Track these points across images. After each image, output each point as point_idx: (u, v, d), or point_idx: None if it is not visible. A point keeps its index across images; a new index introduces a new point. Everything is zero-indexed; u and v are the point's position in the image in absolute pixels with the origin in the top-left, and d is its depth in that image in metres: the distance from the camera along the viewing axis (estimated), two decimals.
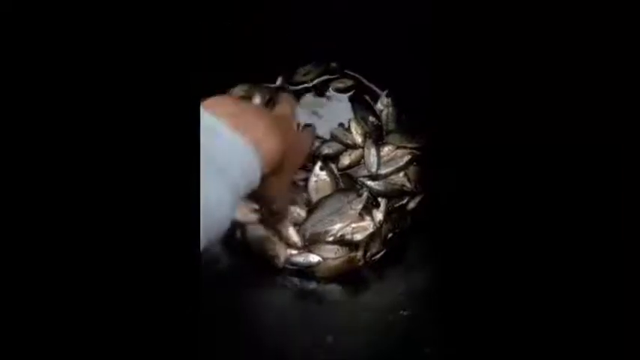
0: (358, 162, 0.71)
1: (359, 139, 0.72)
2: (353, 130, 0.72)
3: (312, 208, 0.68)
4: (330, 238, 0.67)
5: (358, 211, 0.67)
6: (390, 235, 0.68)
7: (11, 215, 0.27)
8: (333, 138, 0.72)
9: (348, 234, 0.67)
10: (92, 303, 0.28)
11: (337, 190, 0.69)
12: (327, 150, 0.72)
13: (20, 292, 0.27)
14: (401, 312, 0.58)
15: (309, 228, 0.67)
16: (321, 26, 0.65)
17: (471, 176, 0.57)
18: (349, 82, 0.76)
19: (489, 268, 0.50)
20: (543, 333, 0.41)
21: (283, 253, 0.66)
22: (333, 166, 0.71)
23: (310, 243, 0.67)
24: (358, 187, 0.70)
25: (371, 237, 0.67)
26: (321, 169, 0.69)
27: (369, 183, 0.70)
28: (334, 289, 0.64)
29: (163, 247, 0.29)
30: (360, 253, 0.66)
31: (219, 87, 0.67)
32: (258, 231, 0.66)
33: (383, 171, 0.70)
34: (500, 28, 0.44)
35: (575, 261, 0.39)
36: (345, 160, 0.71)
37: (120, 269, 0.28)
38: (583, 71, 0.35)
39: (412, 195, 0.70)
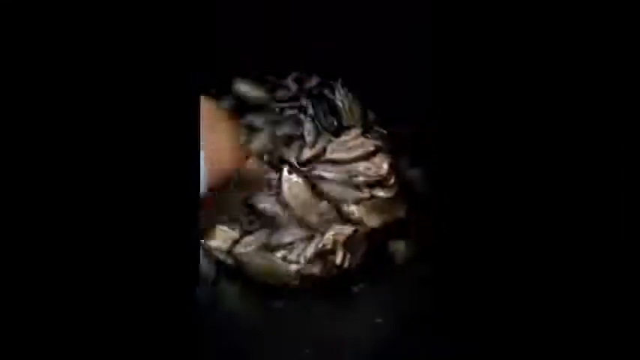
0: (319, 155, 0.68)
1: (314, 137, 0.69)
2: (308, 127, 0.69)
3: None
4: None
5: None
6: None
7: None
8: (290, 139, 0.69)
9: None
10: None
11: None
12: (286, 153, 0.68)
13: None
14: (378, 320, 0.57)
15: None
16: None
17: (449, 170, 0.57)
18: (316, 79, 0.73)
19: (478, 264, 0.50)
20: (541, 334, 0.41)
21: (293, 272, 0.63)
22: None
23: None
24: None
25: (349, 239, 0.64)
26: (290, 172, 0.67)
27: (329, 176, 0.67)
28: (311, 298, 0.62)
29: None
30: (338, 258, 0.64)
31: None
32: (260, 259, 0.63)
33: (344, 156, 0.68)
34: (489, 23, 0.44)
35: (572, 260, 0.39)
36: (306, 154, 0.68)
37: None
38: (583, 72, 0.35)
39: (380, 183, 0.67)
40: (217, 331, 0.56)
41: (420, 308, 0.55)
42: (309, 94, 0.72)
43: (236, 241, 0.64)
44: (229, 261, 0.64)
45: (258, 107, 0.71)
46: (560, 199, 0.38)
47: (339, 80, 0.72)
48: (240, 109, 0.71)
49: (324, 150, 0.68)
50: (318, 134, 0.69)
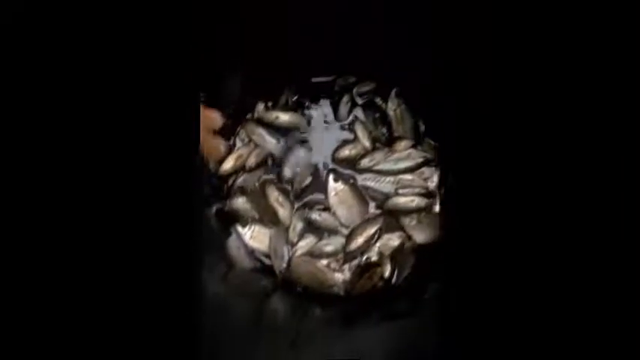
0: (356, 157, 0.68)
1: (367, 144, 0.69)
2: (360, 134, 0.69)
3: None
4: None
5: None
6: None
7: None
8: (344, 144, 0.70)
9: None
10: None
11: None
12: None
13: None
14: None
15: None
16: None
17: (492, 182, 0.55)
18: (372, 85, 0.72)
19: (519, 280, 0.48)
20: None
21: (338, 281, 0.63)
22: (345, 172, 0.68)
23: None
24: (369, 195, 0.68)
25: (397, 251, 0.64)
26: (335, 180, 0.67)
27: (376, 186, 0.67)
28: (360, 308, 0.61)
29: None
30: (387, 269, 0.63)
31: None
32: (306, 265, 0.64)
33: (392, 167, 0.68)
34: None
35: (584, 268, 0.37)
36: (344, 152, 0.68)
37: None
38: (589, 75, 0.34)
39: (428, 196, 0.67)
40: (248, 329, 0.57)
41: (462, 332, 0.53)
42: (361, 100, 0.72)
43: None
44: (268, 262, 0.64)
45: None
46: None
47: (394, 90, 0.71)
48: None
49: (363, 155, 0.68)
50: (372, 140, 0.69)
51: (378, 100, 0.72)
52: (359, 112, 0.71)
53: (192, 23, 0.36)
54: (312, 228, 0.65)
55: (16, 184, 0.28)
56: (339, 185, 0.67)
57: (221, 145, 0.55)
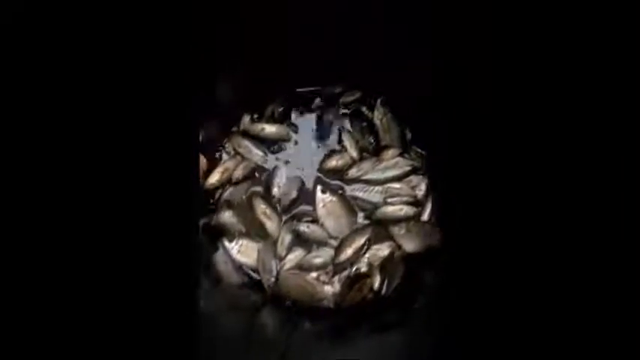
0: (343, 167, 0.68)
1: (354, 154, 0.69)
2: (347, 144, 0.69)
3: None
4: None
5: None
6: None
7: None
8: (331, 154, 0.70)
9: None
10: None
11: None
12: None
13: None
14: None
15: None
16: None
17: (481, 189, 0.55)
18: (357, 94, 0.72)
19: (508, 285, 0.48)
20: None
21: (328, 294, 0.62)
22: (333, 183, 0.68)
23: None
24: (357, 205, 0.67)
25: (386, 261, 0.63)
26: (323, 192, 0.66)
27: (364, 195, 0.67)
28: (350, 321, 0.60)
29: None
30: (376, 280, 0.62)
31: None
32: (295, 279, 0.63)
33: (380, 176, 0.68)
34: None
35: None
36: (332, 162, 0.68)
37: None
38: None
39: (417, 204, 0.66)
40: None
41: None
42: (347, 110, 0.72)
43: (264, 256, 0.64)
44: (257, 277, 0.63)
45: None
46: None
47: (380, 99, 0.71)
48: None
49: (351, 165, 0.68)
50: (359, 150, 0.69)
51: (365, 110, 0.72)
52: (345, 122, 0.71)
53: (192, 23, 0.36)
54: (300, 240, 0.64)
55: (14, 184, 0.28)
56: (327, 196, 0.66)
57: (203, 159, 0.55)
